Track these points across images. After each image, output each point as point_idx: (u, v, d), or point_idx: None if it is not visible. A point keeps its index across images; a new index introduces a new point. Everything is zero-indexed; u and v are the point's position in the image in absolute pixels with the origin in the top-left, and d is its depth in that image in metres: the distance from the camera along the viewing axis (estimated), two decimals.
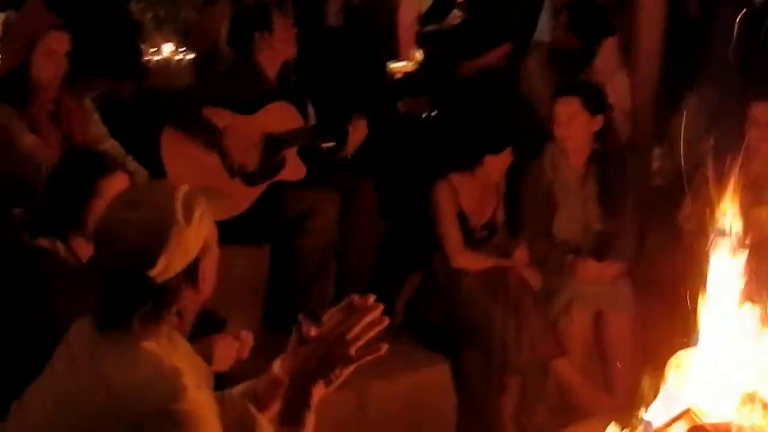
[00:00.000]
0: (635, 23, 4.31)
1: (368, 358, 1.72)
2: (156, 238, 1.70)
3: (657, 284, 3.66)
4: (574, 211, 3.88)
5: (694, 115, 4.19)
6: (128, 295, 1.72)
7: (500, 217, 4.00)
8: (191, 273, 1.76)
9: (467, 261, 3.80)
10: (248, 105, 3.81)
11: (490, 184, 3.93)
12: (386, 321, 1.73)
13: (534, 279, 3.76)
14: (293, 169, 3.86)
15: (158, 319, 1.75)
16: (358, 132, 3.95)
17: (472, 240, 3.88)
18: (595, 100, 3.80)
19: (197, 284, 1.78)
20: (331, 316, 1.75)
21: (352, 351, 1.71)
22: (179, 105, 3.83)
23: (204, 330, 3.19)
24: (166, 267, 1.71)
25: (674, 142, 4.27)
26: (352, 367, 1.74)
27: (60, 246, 2.57)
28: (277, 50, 3.91)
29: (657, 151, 4.34)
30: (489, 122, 4.10)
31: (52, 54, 3.34)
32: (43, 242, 2.56)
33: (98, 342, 1.74)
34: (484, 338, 3.66)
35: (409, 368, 3.62)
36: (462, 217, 3.86)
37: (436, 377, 3.69)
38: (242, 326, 3.63)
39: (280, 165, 3.83)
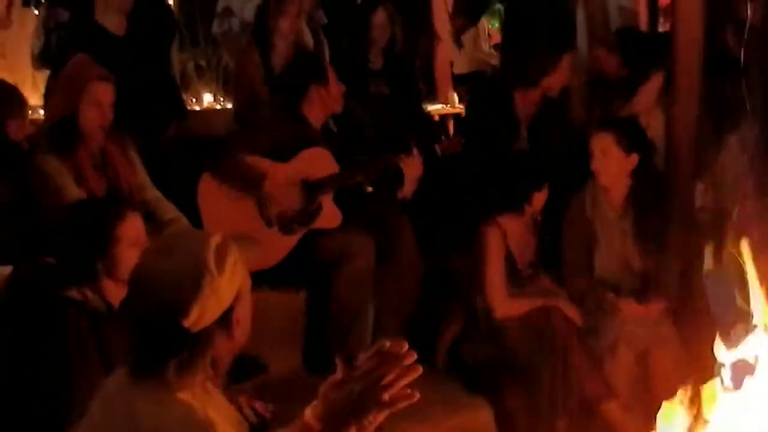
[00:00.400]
0: (674, 58, 4.28)
1: (402, 404, 1.70)
2: (188, 287, 1.71)
3: (703, 322, 3.59)
4: (614, 249, 3.83)
5: (736, 152, 4.14)
6: (162, 343, 1.73)
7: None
8: (225, 321, 1.77)
9: (509, 309, 3.73)
10: (285, 152, 3.85)
11: (531, 221, 3.88)
12: (420, 370, 1.71)
13: (576, 316, 3.71)
14: (329, 216, 3.86)
15: (192, 368, 1.75)
16: (413, 169, 3.93)
17: (520, 280, 3.83)
18: (632, 137, 3.75)
19: (231, 332, 1.79)
20: (363, 361, 1.73)
21: (386, 397, 1.69)
22: (219, 152, 3.87)
23: (246, 374, 3.23)
24: (200, 316, 1.72)
25: (717, 179, 4.22)
26: (385, 413, 1.71)
27: (89, 294, 2.58)
28: (326, 104, 3.95)
29: (700, 188, 4.27)
30: (535, 158, 4.03)
31: (98, 104, 3.42)
32: (71, 292, 2.58)
33: (133, 391, 1.75)
34: (530, 380, 3.60)
35: (450, 412, 3.58)
36: (510, 259, 3.81)
37: (478, 421, 3.64)
38: (281, 371, 3.68)
39: (317, 212, 3.84)
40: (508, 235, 3.78)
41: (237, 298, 1.79)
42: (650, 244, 3.76)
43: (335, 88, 3.95)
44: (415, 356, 1.72)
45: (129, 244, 2.61)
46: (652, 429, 3.46)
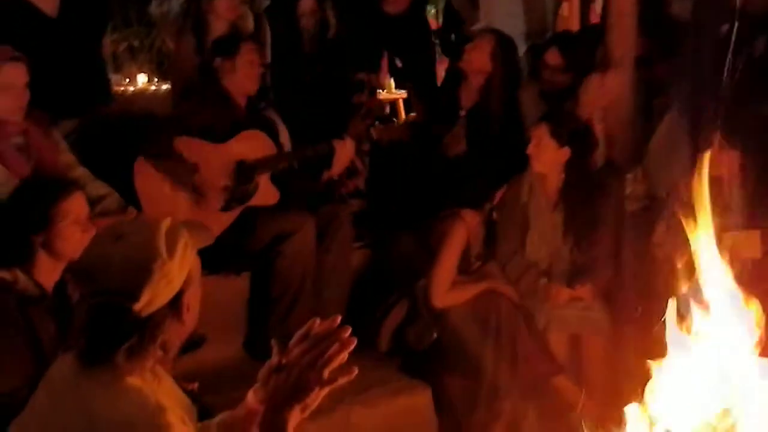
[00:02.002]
0: (608, 49, 4.36)
1: (341, 380, 1.70)
2: (139, 272, 1.70)
3: (630, 309, 3.70)
4: (545, 236, 3.93)
5: (666, 140, 4.25)
6: (112, 329, 1.71)
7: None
8: (175, 305, 1.77)
9: (447, 301, 3.77)
10: (220, 133, 3.84)
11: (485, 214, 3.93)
12: (354, 342, 1.71)
13: (513, 294, 3.80)
14: (266, 194, 3.87)
15: (143, 353, 1.74)
16: (344, 151, 3.96)
17: (468, 270, 3.88)
18: (566, 131, 3.84)
19: (181, 316, 1.79)
20: (296, 342, 1.73)
21: (325, 374, 1.69)
22: (153, 133, 3.83)
23: (183, 348, 3.20)
24: (150, 300, 1.71)
25: (647, 167, 4.33)
26: (325, 391, 1.71)
27: (20, 275, 2.57)
28: (240, 78, 3.92)
29: (630, 177, 4.38)
30: (497, 158, 4.09)
31: (10, 87, 3.31)
32: (2, 273, 2.56)
33: (81, 377, 1.73)
34: (474, 364, 3.66)
35: (390, 395, 3.63)
36: (465, 253, 3.86)
37: (417, 404, 3.68)
38: (224, 354, 3.66)
39: (253, 191, 3.85)
40: (471, 232, 3.84)
41: (187, 282, 1.78)
42: (582, 233, 3.86)
43: (248, 56, 3.92)
44: (349, 330, 1.72)
45: (73, 220, 2.63)
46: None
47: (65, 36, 4.01)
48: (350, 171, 4.30)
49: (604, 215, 3.92)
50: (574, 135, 3.87)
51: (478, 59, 4.39)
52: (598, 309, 3.84)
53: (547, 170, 3.86)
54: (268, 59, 4.62)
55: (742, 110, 3.79)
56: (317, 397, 1.70)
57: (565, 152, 3.83)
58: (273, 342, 1.75)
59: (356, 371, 1.70)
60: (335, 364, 1.69)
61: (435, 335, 3.76)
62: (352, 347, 1.71)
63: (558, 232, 3.91)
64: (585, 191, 3.89)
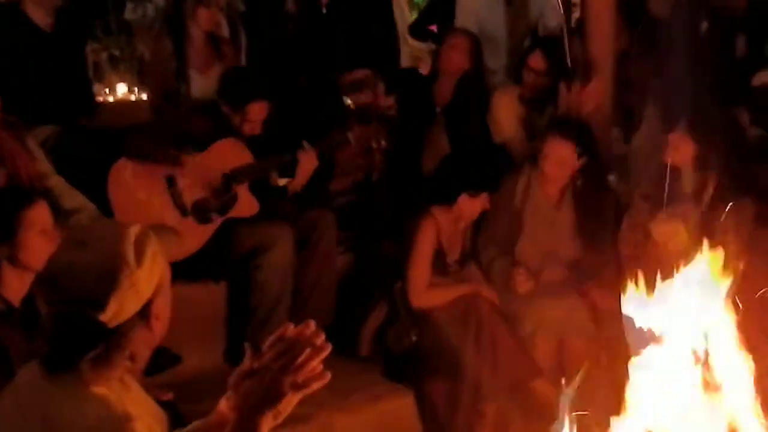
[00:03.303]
0: (587, 51, 4.38)
1: (315, 385, 1.67)
2: (106, 281, 1.66)
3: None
4: (539, 237, 3.93)
5: (646, 140, 4.27)
6: (78, 338, 1.68)
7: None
8: (144, 314, 1.73)
9: (427, 301, 3.78)
10: (200, 143, 3.82)
11: (463, 221, 3.93)
12: (329, 348, 1.67)
13: (494, 297, 3.80)
14: (246, 204, 3.85)
15: (109, 362, 1.71)
16: (307, 162, 3.94)
17: (446, 274, 3.88)
18: (586, 143, 3.91)
19: (150, 326, 1.75)
20: (268, 347, 1.69)
21: (299, 379, 1.65)
22: (135, 139, 3.81)
23: (160, 367, 3.18)
24: (118, 310, 1.67)
25: (630, 167, 4.35)
26: (299, 397, 1.67)
27: None
28: (245, 127, 3.92)
29: (612, 178, 4.40)
30: (466, 160, 4.09)
31: None
32: None
33: (46, 386, 1.70)
34: (455, 367, 3.65)
35: (372, 400, 3.61)
36: (440, 254, 3.85)
37: (399, 408, 3.67)
38: (203, 363, 3.64)
39: (233, 201, 3.82)
40: (441, 230, 3.84)
41: (156, 292, 1.74)
42: (591, 238, 3.88)
43: (258, 115, 3.94)
44: (323, 336, 1.68)
45: (37, 231, 2.59)
46: None
47: (57, 48, 4.04)
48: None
49: (610, 216, 3.95)
50: (590, 143, 3.93)
51: (458, 58, 4.54)
52: (580, 309, 3.83)
53: (557, 173, 3.89)
54: (243, 62, 4.60)
55: (713, 108, 3.81)
56: (290, 403, 1.66)
57: (582, 161, 3.90)
58: (246, 346, 1.71)
59: (329, 377, 1.67)
60: (308, 369, 1.66)
61: (414, 337, 3.75)
62: (326, 353, 1.68)
63: (558, 231, 3.93)
64: (598, 193, 3.95)
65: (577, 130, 3.96)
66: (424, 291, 3.78)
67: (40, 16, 4.03)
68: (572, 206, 3.96)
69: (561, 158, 3.87)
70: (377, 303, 3.93)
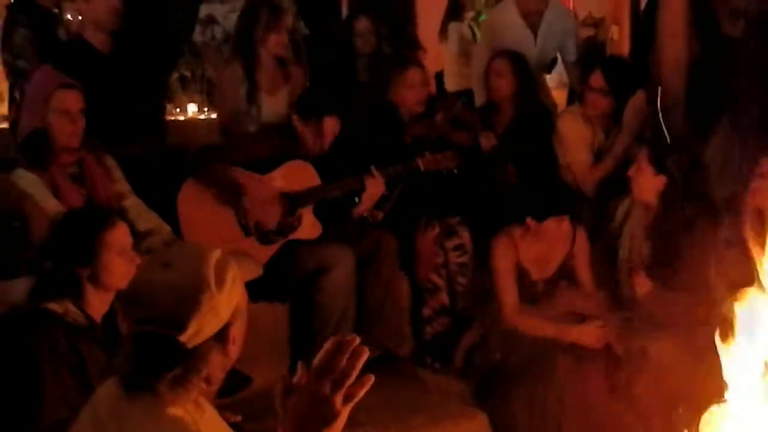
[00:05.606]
0: (659, 72, 4.40)
1: (360, 392, 1.58)
2: (187, 302, 1.70)
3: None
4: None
5: (719, 153, 4.21)
6: (157, 358, 1.72)
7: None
8: (221, 338, 1.76)
9: (521, 324, 3.73)
10: (268, 164, 3.88)
11: (555, 241, 3.87)
12: (366, 351, 1.58)
13: (593, 341, 3.64)
14: (309, 227, 3.87)
15: (187, 384, 1.74)
16: (374, 187, 3.96)
17: (533, 294, 3.85)
18: (663, 157, 3.84)
19: (226, 349, 1.78)
20: (319, 361, 1.58)
21: (343, 389, 1.56)
22: (203, 158, 3.88)
23: (233, 389, 3.21)
24: (197, 332, 1.71)
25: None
26: (349, 408, 1.58)
27: (70, 307, 2.57)
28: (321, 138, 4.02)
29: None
30: (533, 187, 4.10)
31: (66, 112, 3.38)
32: (52, 305, 2.56)
33: (124, 404, 1.73)
34: (536, 386, 3.58)
35: (439, 422, 3.56)
36: (522, 271, 3.83)
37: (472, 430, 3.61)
38: (269, 382, 3.66)
39: (297, 223, 3.86)
40: (520, 248, 3.82)
41: (234, 315, 1.77)
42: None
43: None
44: (358, 339, 1.59)
45: (117, 252, 2.63)
46: None
47: (118, 71, 4.13)
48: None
49: (689, 255, 3.70)
50: (672, 163, 3.83)
51: (502, 83, 4.62)
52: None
53: (646, 197, 3.84)
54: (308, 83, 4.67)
55: None
56: (344, 419, 1.58)
57: (661, 180, 3.80)
58: (299, 363, 1.63)
59: (372, 379, 1.59)
60: (354, 376, 1.57)
61: (498, 355, 3.71)
62: (365, 357, 1.58)
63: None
64: (674, 226, 3.80)
65: (657, 141, 4.02)
66: (517, 312, 3.76)
67: (99, 40, 4.14)
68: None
69: (637, 164, 3.86)
70: (473, 321, 3.95)
